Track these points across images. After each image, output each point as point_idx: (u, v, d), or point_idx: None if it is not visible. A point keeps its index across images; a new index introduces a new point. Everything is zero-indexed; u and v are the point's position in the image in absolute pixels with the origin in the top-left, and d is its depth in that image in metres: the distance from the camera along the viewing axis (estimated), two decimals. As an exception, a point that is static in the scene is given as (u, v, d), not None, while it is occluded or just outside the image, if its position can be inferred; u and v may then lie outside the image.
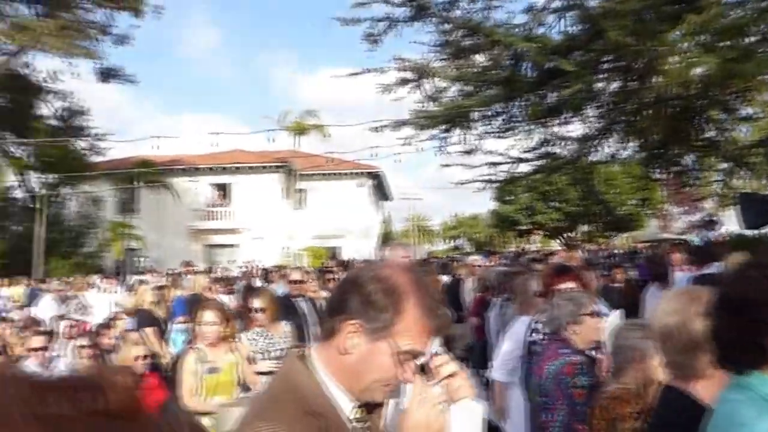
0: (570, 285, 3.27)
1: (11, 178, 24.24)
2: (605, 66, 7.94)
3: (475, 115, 8.98)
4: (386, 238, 32.66)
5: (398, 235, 44.81)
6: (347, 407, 1.22)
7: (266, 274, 10.53)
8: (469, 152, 9.60)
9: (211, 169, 30.81)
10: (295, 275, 5.20)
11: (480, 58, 8.74)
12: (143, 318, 6.23)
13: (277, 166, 30.98)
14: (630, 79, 8.02)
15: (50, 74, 22.48)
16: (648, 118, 8.55)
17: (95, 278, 12.11)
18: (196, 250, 29.18)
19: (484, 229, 49.05)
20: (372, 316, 1.19)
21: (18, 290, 10.52)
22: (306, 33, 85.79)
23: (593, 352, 2.86)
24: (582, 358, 2.71)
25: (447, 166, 10.26)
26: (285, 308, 4.52)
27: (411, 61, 8.62)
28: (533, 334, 3.49)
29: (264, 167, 30.77)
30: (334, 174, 31.32)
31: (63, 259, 23.26)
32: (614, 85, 8.39)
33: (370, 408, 1.27)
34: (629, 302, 5.56)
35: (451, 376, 1.27)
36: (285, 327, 4.24)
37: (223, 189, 31.79)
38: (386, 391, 1.23)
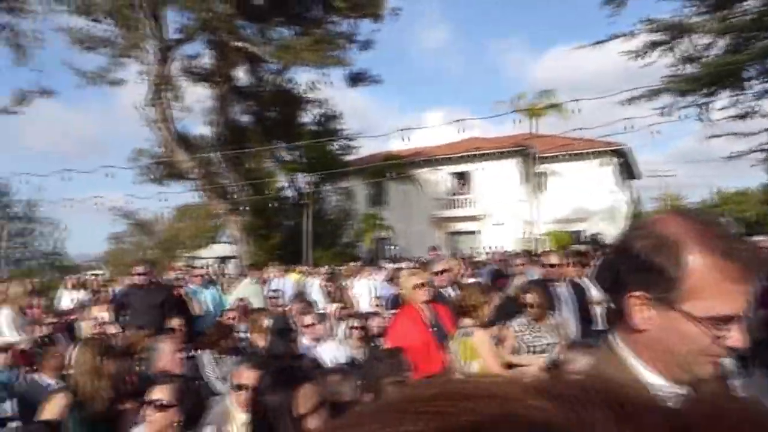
0: None
1: (283, 180, 28.05)
2: None
3: (750, 71, 7.70)
4: (635, 220, 30.06)
5: (648, 215, 40.92)
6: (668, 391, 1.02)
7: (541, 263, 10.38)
8: (742, 117, 8.29)
9: (450, 158, 31.70)
10: (553, 258, 5.03)
11: (753, 2, 7.47)
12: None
13: (515, 151, 30.64)
14: None
15: (309, 85, 25.29)
16: None
17: (356, 266, 13.27)
18: (439, 237, 30.35)
19: (754, 207, 42.25)
20: (652, 281, 0.98)
21: (294, 276, 11.98)
22: (536, 14, 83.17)
23: None
24: None
25: (715, 137, 9.01)
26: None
27: (663, 21, 7.74)
28: None
29: (501, 153, 30.68)
30: (575, 154, 29.88)
31: (325, 249, 26.01)
32: None
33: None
34: None
35: None
36: (552, 320, 4.12)
37: (462, 177, 32.51)
38: (710, 362, 1.00)
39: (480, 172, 30.15)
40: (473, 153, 30.68)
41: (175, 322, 6.31)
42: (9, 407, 4.60)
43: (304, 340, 5.20)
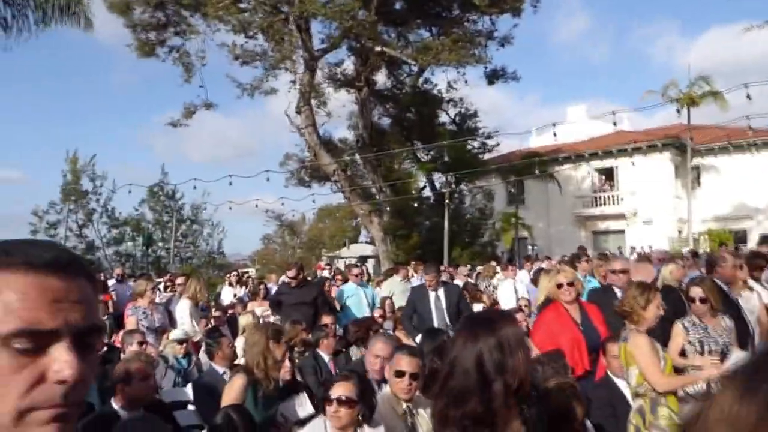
0: None
1: (422, 180, 28.47)
2: None
3: None
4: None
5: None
6: None
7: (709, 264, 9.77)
8: None
9: (594, 154, 30.26)
10: (728, 260, 4.66)
11: None
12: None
13: (666, 144, 28.52)
14: None
15: (448, 84, 25.43)
16: None
17: (493, 266, 13.16)
18: (582, 237, 29.10)
19: None
20: None
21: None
22: (690, -7, 76.32)
23: None
24: None
25: None
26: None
27: None
28: None
29: (651, 147, 28.71)
30: (737, 147, 27.16)
31: (464, 248, 25.99)
32: None
33: None
34: None
35: None
36: (724, 321, 3.85)
37: (607, 173, 30.89)
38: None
39: (626, 167, 28.39)
40: (620, 147, 29.00)
41: (327, 319, 6.69)
42: (188, 392, 5.11)
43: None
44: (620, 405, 3.66)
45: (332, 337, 5.93)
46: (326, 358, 5.62)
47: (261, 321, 7.45)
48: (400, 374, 3.22)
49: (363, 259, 25.95)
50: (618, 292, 4.85)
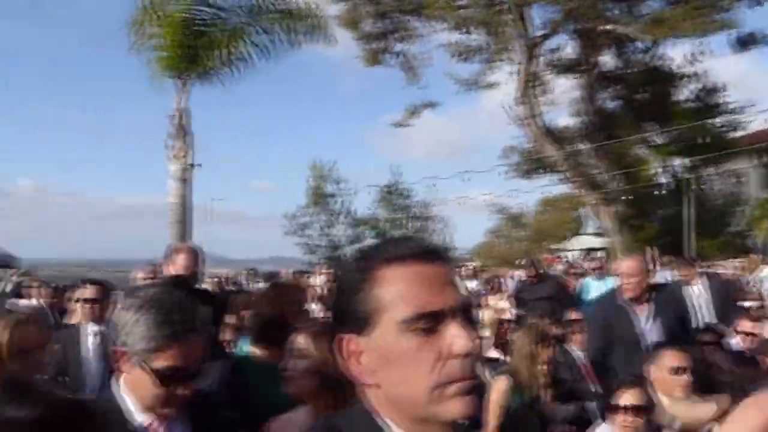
0: None
1: (657, 165, 26.01)
2: None
3: None
4: None
5: None
6: None
7: None
8: None
9: None
10: None
11: None
12: None
13: None
14: None
15: (686, 57, 22.86)
16: None
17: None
18: None
19: None
20: None
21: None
22: None
23: None
24: None
25: None
26: None
27: None
28: None
29: None
30: None
31: (710, 239, 23.25)
32: None
33: None
34: None
35: None
36: None
37: None
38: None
39: None
40: None
41: (575, 314, 6.46)
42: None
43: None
44: None
45: (583, 332, 5.71)
46: (580, 354, 5.42)
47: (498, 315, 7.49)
48: (677, 371, 3.10)
49: (588, 252, 24.65)
50: None
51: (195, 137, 13.55)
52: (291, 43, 12.97)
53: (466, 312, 0.93)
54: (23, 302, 7.38)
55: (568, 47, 23.61)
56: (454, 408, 0.88)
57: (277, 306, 2.71)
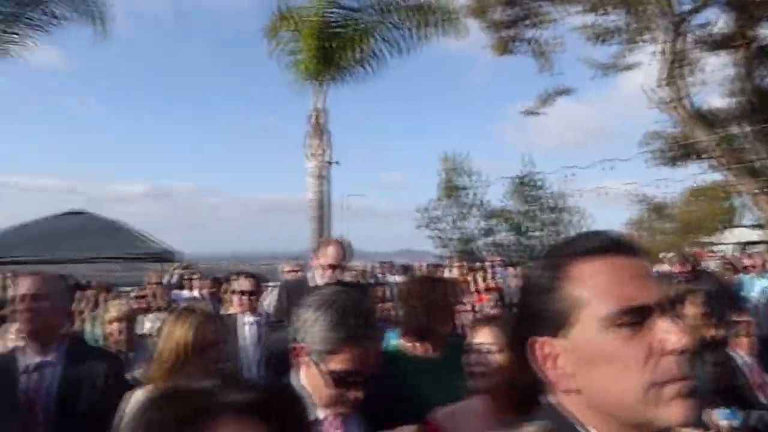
0: None
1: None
2: None
3: None
4: None
5: None
6: None
7: None
8: None
9: None
10: None
11: None
12: None
13: None
14: None
15: None
16: None
17: None
18: None
19: None
20: None
21: None
22: None
23: None
24: None
25: None
26: None
27: None
28: None
29: None
30: None
31: None
32: None
33: None
34: None
35: None
36: None
37: None
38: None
39: None
40: None
41: (740, 315, 5.90)
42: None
43: None
44: None
45: (751, 335, 5.19)
46: (747, 359, 4.93)
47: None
48: None
49: (745, 246, 22.47)
50: None
51: (331, 135, 14.12)
52: (421, 37, 13.06)
53: (672, 307, 0.85)
54: (186, 293, 8.10)
55: (719, 21, 21.49)
56: (674, 412, 0.79)
57: (429, 300, 2.71)
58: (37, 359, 2.56)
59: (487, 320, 2.06)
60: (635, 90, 20.69)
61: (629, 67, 21.98)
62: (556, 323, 0.87)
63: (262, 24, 14.08)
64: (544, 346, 0.88)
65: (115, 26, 14.64)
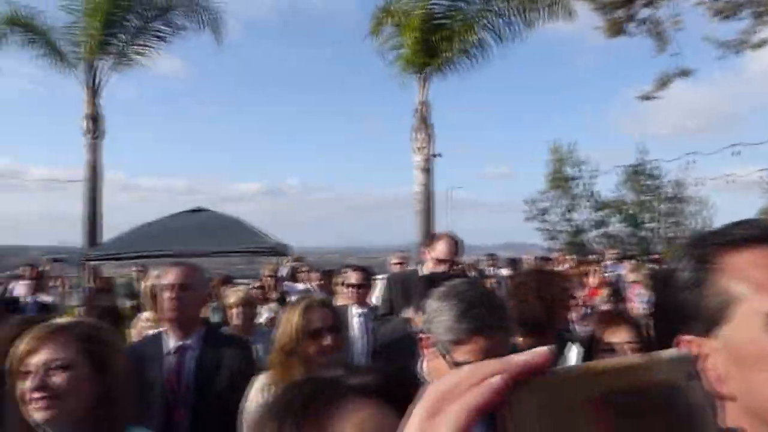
0: None
1: None
2: None
3: None
4: None
5: None
6: None
7: None
8: None
9: None
10: None
11: None
12: None
13: None
14: None
15: None
16: None
17: None
18: None
19: None
20: None
21: None
22: None
23: None
24: None
25: None
26: None
27: None
28: None
29: None
30: None
31: None
32: None
33: None
34: None
35: None
36: None
37: None
38: None
39: None
40: None
41: None
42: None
43: None
44: None
45: None
46: None
47: None
48: None
49: None
50: None
51: (435, 128, 14.11)
52: (526, 23, 12.71)
53: None
54: (299, 285, 8.43)
55: None
56: None
57: (543, 294, 2.65)
58: (179, 343, 2.82)
59: (622, 318, 1.99)
60: (766, 69, 18.89)
61: (759, 45, 20.10)
62: (706, 321, 0.79)
63: (367, 21, 14.31)
64: (692, 346, 0.80)
65: (227, 33, 15.53)
